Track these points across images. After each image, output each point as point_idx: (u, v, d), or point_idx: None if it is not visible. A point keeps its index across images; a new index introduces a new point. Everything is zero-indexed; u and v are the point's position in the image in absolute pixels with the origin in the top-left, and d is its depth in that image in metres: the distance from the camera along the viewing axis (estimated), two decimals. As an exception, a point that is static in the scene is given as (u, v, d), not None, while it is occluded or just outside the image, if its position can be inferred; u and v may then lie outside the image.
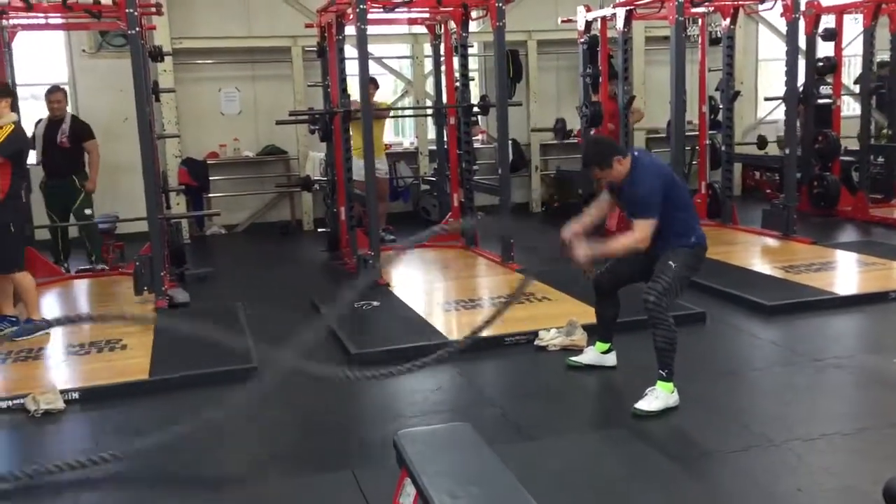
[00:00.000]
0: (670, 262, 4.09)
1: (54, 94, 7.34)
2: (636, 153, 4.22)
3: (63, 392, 4.46)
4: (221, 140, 10.11)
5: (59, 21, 7.02)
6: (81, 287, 7.26)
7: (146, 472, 3.73)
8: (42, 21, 6.89)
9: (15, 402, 4.39)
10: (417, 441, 3.00)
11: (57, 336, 5.58)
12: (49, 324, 5.56)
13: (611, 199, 4.37)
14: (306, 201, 10.27)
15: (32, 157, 7.15)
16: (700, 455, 3.66)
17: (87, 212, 7.48)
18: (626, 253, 4.15)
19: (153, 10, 7.15)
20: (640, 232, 4.06)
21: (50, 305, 6.67)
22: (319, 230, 8.95)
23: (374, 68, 8.74)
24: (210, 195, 9.97)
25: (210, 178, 9.93)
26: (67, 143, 7.35)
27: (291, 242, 9.71)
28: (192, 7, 9.80)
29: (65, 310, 6.68)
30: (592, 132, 8.74)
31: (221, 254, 9.21)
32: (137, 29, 6.13)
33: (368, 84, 7.09)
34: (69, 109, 7.66)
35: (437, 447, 3.00)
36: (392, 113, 9.88)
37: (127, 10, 6.05)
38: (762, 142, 9.68)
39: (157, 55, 7.48)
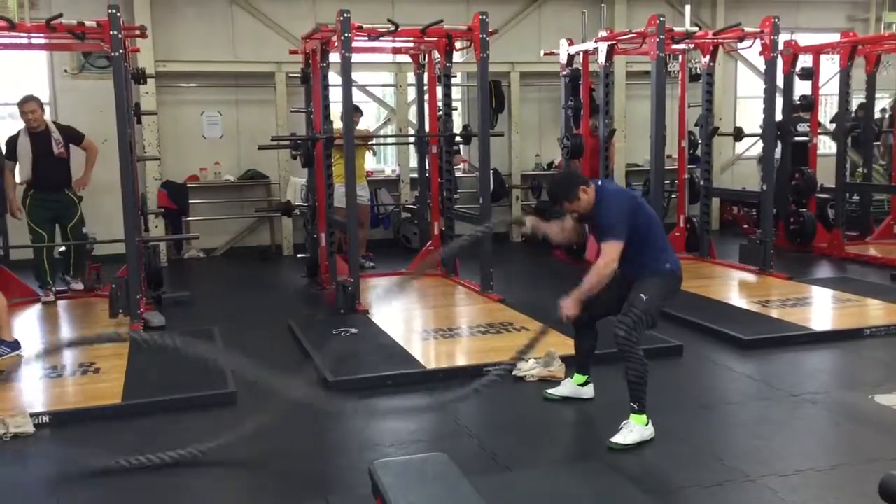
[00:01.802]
0: (641, 295, 4.10)
1: (27, 104, 6.97)
2: (600, 182, 4.31)
3: (33, 415, 4.38)
4: (202, 163, 10.09)
5: (43, 41, 6.99)
6: (56, 309, 7.15)
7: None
8: (25, 41, 6.85)
9: (-17, 424, 4.31)
10: (393, 471, 2.98)
11: (28, 358, 5.49)
12: (16, 347, 5.46)
13: (577, 225, 4.41)
14: (286, 226, 10.25)
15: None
16: (675, 489, 3.66)
17: (84, 230, 7.24)
18: (603, 280, 4.14)
19: (137, 32, 7.15)
20: (607, 255, 4.08)
21: (23, 328, 6.59)
22: (299, 256, 8.92)
23: (357, 96, 8.78)
24: (189, 218, 9.93)
25: (190, 201, 9.89)
26: (66, 152, 7.12)
27: (270, 267, 9.67)
28: (176, 31, 9.83)
29: (38, 332, 6.59)
30: (574, 163, 8.85)
31: (199, 278, 9.14)
32: (121, 51, 6.13)
33: (352, 111, 7.12)
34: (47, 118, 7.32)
35: (412, 477, 2.98)
36: (374, 140, 9.91)
37: (111, 32, 6.06)
38: (738, 133, 9.71)
39: (140, 77, 7.46)
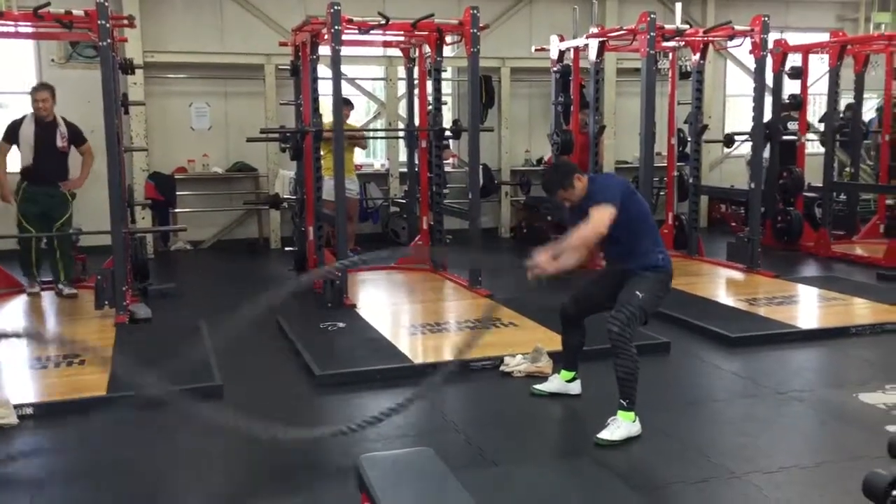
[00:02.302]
0: (636, 292, 4.10)
1: (40, 93, 6.87)
2: (592, 174, 4.28)
3: (17, 407, 4.35)
4: (190, 155, 10.03)
5: (30, 30, 6.92)
6: (40, 301, 7.09)
7: (92, 499, 3.64)
8: (12, 29, 6.78)
9: (-34, 416, 4.27)
10: (379, 465, 2.98)
11: (12, 349, 5.45)
12: None
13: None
14: (274, 219, 10.22)
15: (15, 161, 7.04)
16: (661, 485, 3.67)
17: (70, 230, 7.12)
18: (587, 243, 4.04)
19: (125, 22, 7.10)
20: (596, 218, 3.96)
21: (6, 319, 6.54)
22: (287, 249, 8.89)
23: (347, 89, 8.75)
24: (176, 210, 9.88)
25: (177, 193, 9.84)
26: (68, 147, 7.04)
27: (258, 260, 9.63)
28: (165, 21, 9.76)
29: (22, 323, 6.54)
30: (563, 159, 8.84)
31: (186, 270, 9.10)
32: (109, 41, 6.08)
33: (342, 105, 7.09)
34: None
35: (398, 472, 2.97)
36: (363, 136, 9.86)
37: (99, 22, 6.01)
38: (729, 139, 9.74)
39: (128, 68, 7.40)
